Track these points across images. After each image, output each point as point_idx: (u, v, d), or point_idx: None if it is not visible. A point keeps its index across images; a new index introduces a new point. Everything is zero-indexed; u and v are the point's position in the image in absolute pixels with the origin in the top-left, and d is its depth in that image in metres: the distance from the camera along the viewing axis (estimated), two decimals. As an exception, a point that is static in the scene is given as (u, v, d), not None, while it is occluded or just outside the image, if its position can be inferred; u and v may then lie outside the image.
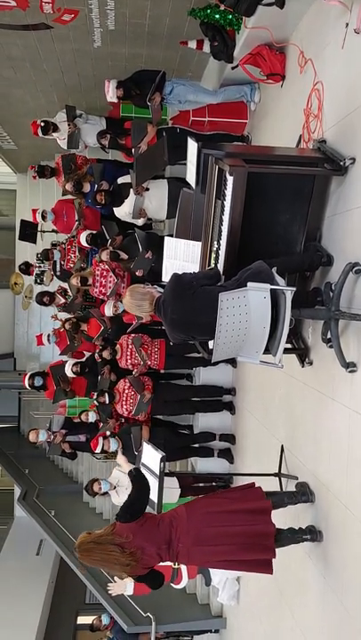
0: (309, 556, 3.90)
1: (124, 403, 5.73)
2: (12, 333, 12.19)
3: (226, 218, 3.57)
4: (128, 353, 5.80)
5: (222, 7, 4.61)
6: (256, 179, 3.44)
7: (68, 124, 6.41)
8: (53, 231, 7.90)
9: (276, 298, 3.13)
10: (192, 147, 3.87)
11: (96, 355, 6.08)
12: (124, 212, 5.96)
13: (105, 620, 7.26)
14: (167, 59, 6.21)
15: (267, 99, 5.34)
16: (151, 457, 4.37)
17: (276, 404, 4.77)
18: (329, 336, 3.34)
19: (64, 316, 7.32)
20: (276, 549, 3.56)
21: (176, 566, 5.96)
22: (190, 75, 6.50)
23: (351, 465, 3.29)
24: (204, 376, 6.37)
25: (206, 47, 5.34)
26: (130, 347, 5.79)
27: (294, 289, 3.16)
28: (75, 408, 7.53)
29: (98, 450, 5.76)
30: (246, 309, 3.07)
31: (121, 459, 5.02)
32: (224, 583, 6.05)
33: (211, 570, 6.09)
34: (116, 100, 5.66)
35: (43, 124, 6.47)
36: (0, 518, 13.07)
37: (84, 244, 6.44)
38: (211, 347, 3.33)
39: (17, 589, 10.40)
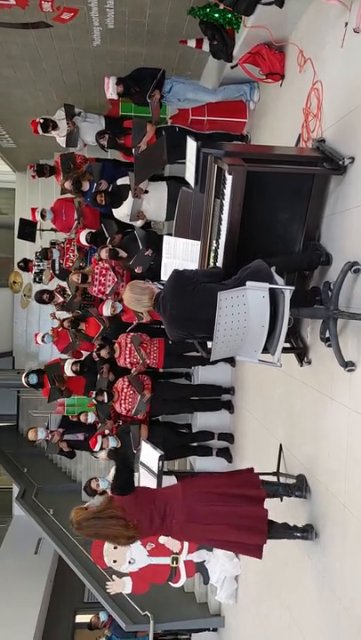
0: (308, 554, 3.91)
1: (122, 402, 5.74)
2: (10, 332, 12.19)
3: (225, 217, 3.56)
4: (127, 352, 5.81)
5: (222, 6, 4.62)
6: (255, 178, 3.44)
7: (67, 123, 6.40)
8: (52, 230, 7.89)
9: (274, 297, 3.13)
10: (191, 146, 3.86)
11: (94, 353, 6.08)
12: (122, 213, 5.96)
13: (103, 617, 7.27)
14: (166, 57, 6.21)
15: (266, 98, 5.35)
16: (150, 455, 4.38)
17: (274, 404, 4.78)
18: (328, 335, 3.34)
19: (63, 314, 7.31)
20: (269, 541, 3.58)
21: (174, 565, 5.97)
22: (190, 74, 6.49)
23: (350, 464, 3.29)
24: (202, 375, 6.37)
25: (206, 46, 5.33)
26: (129, 345, 5.80)
27: (293, 288, 3.16)
28: (73, 407, 7.53)
29: (97, 448, 5.77)
30: (245, 308, 3.07)
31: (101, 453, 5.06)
32: (222, 582, 6.05)
33: (209, 568, 6.10)
34: (115, 97, 5.63)
35: (42, 121, 6.47)
36: (-2, 517, 13.10)
37: (83, 242, 6.42)
38: (209, 346, 3.34)
39: (15, 588, 10.39)
